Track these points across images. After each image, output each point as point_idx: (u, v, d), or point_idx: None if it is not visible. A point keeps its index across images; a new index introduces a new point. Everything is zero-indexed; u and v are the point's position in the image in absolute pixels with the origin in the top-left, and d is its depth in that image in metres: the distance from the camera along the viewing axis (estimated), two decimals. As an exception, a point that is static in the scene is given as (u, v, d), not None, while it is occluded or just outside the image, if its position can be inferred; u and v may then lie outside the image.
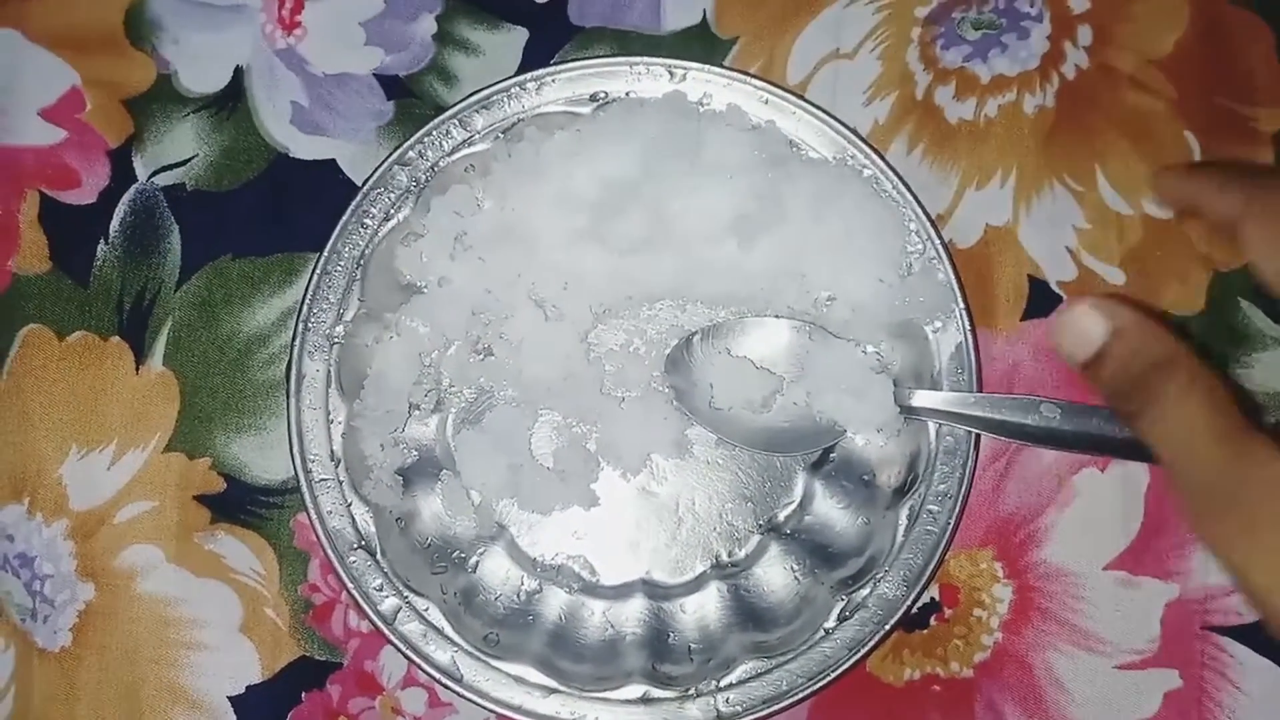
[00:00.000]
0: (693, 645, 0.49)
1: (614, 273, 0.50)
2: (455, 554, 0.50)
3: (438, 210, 0.50)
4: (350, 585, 0.47)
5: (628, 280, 0.50)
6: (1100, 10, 0.54)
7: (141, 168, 0.55)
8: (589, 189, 0.49)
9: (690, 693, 0.47)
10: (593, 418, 0.51)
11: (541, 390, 0.50)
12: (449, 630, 0.47)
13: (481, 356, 0.51)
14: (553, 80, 0.51)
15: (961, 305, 0.48)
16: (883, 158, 0.50)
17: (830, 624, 0.47)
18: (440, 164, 0.51)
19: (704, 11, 0.55)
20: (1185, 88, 0.53)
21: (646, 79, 0.51)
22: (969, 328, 0.48)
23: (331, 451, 0.49)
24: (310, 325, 0.49)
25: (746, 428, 0.49)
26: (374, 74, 0.55)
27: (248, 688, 0.51)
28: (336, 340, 0.49)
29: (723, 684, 0.47)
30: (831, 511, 0.50)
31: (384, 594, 0.47)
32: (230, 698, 0.51)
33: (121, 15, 0.56)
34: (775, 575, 0.50)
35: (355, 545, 0.48)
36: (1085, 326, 0.35)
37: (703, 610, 0.50)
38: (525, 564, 0.51)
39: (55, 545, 0.52)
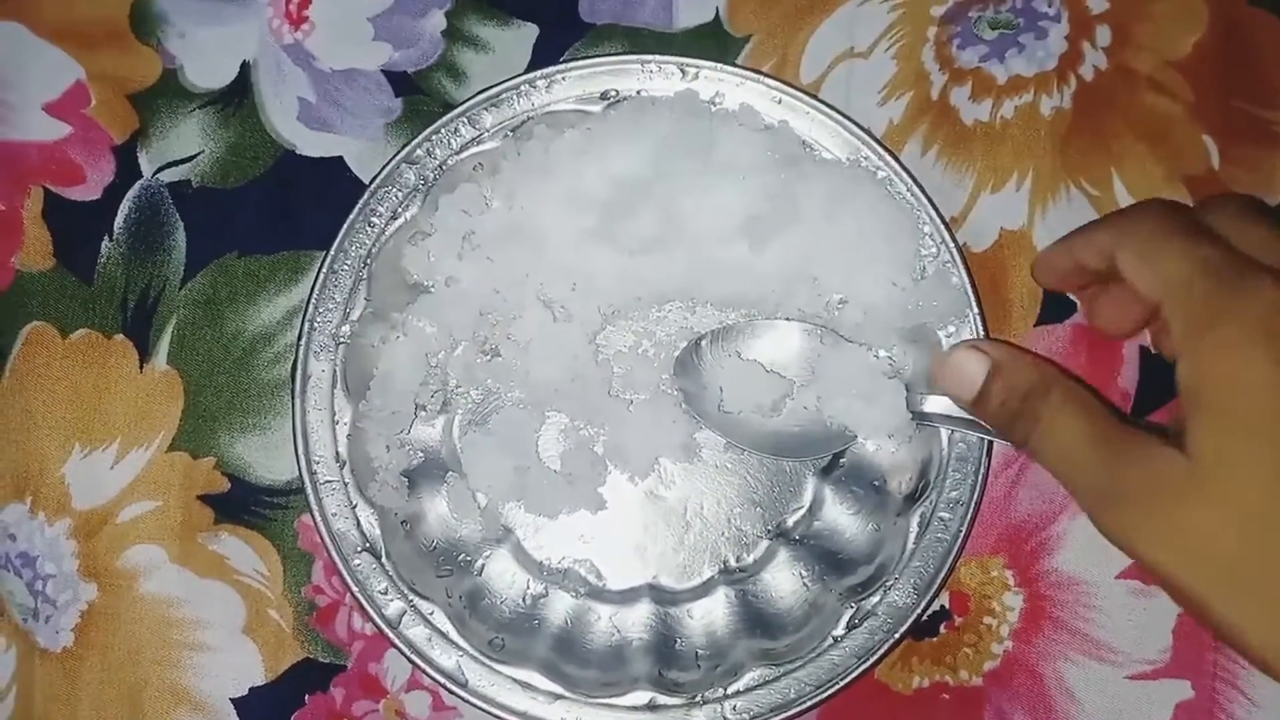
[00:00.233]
0: (700, 651, 0.49)
1: (624, 273, 0.49)
2: (461, 557, 0.50)
3: (446, 209, 0.50)
4: (355, 588, 0.47)
5: (637, 281, 0.50)
6: (1119, 10, 0.53)
7: (147, 164, 0.54)
8: (599, 188, 0.49)
9: (697, 700, 0.46)
10: (600, 420, 0.50)
11: (549, 392, 0.50)
12: (454, 634, 0.47)
13: (489, 357, 0.51)
14: (563, 78, 0.50)
15: (975, 310, 0.48)
16: (897, 159, 0.49)
17: (839, 631, 0.47)
18: (449, 162, 0.50)
19: (716, 9, 0.54)
20: (1204, 90, 0.52)
21: (658, 77, 0.50)
22: (983, 333, 0.48)
23: (336, 453, 0.48)
24: (316, 325, 0.49)
25: (756, 432, 0.48)
26: (382, 70, 0.54)
27: (251, 689, 0.51)
28: (342, 340, 0.49)
29: (730, 691, 0.46)
30: (841, 517, 0.50)
31: (389, 597, 0.47)
32: (233, 699, 0.51)
33: (127, 9, 0.55)
34: (784, 581, 0.49)
35: (360, 548, 0.48)
36: (964, 368, 0.40)
37: (710, 616, 0.49)
38: (531, 568, 0.50)
39: (57, 545, 0.52)
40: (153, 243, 0.54)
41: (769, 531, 0.50)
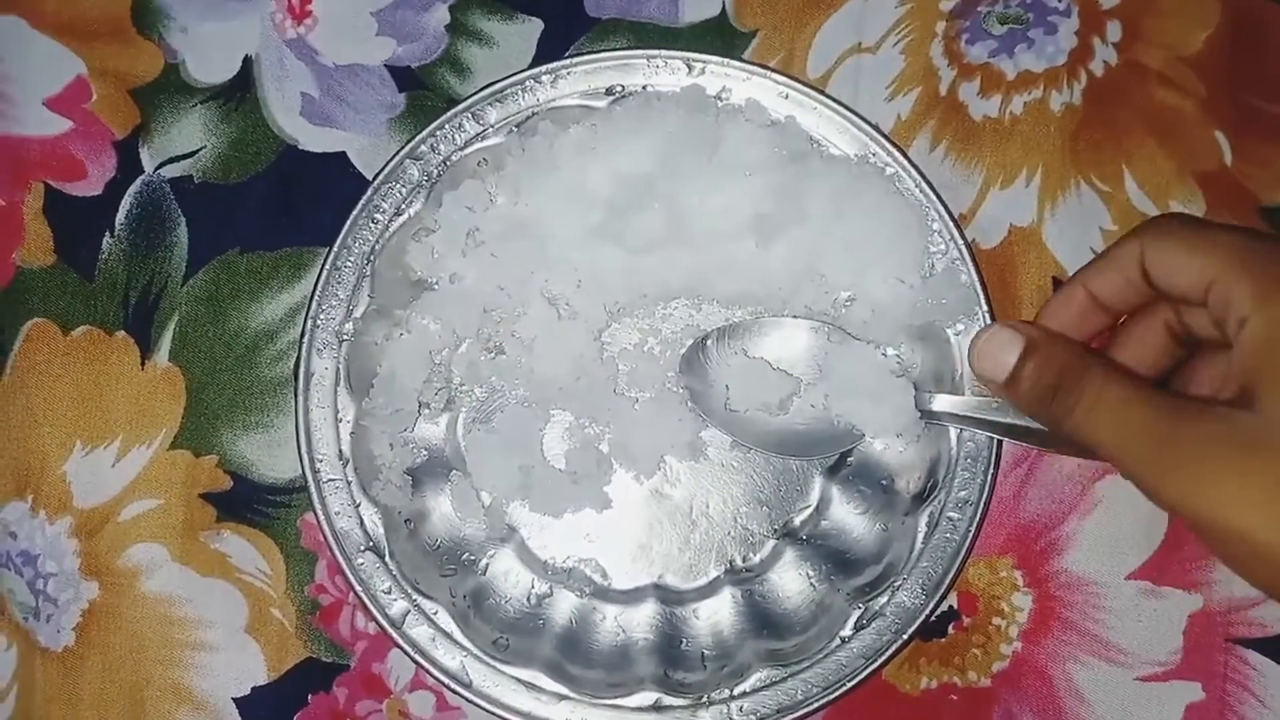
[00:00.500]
0: (706, 652, 0.48)
1: (629, 270, 0.49)
2: (465, 556, 0.50)
3: (449, 205, 0.49)
4: (358, 588, 0.47)
5: (643, 278, 0.49)
6: (1130, 5, 0.52)
7: (148, 159, 0.54)
8: (604, 185, 0.49)
9: (703, 700, 0.46)
10: (606, 418, 0.50)
11: (554, 390, 0.50)
12: (458, 634, 0.46)
13: (493, 355, 0.50)
14: (568, 73, 0.50)
15: (984, 308, 0.47)
16: (905, 155, 0.49)
17: (847, 632, 0.46)
18: (453, 158, 0.49)
19: (723, 3, 0.54)
20: (1215, 86, 0.52)
21: (664, 72, 0.50)
22: (993, 331, 0.47)
23: (340, 451, 0.48)
24: (319, 322, 0.48)
25: (762, 430, 0.48)
26: (385, 65, 0.54)
27: (253, 689, 0.51)
28: (346, 337, 0.48)
29: (736, 692, 0.46)
30: (849, 517, 0.49)
31: (392, 597, 0.47)
32: (235, 699, 0.51)
33: (128, 3, 0.55)
34: (790, 581, 0.49)
35: (363, 547, 0.47)
36: (996, 347, 0.38)
37: (716, 616, 0.49)
38: (536, 567, 0.50)
39: (59, 543, 0.52)
40: (154, 239, 0.53)
41: (776, 531, 0.50)
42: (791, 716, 0.46)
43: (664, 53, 0.50)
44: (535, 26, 0.54)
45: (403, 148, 0.49)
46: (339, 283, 0.49)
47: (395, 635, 0.46)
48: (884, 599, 0.46)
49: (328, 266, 0.49)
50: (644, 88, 0.50)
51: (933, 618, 0.46)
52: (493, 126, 0.50)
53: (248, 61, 0.54)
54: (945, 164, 0.52)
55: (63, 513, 0.52)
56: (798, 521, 0.50)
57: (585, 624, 0.49)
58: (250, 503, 0.51)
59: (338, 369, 0.48)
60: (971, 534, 0.46)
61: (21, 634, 0.52)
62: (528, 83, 0.50)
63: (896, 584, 0.46)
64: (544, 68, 0.50)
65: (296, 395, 0.48)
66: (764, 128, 0.49)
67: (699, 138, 0.48)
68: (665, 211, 0.48)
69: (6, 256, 0.53)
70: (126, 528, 0.51)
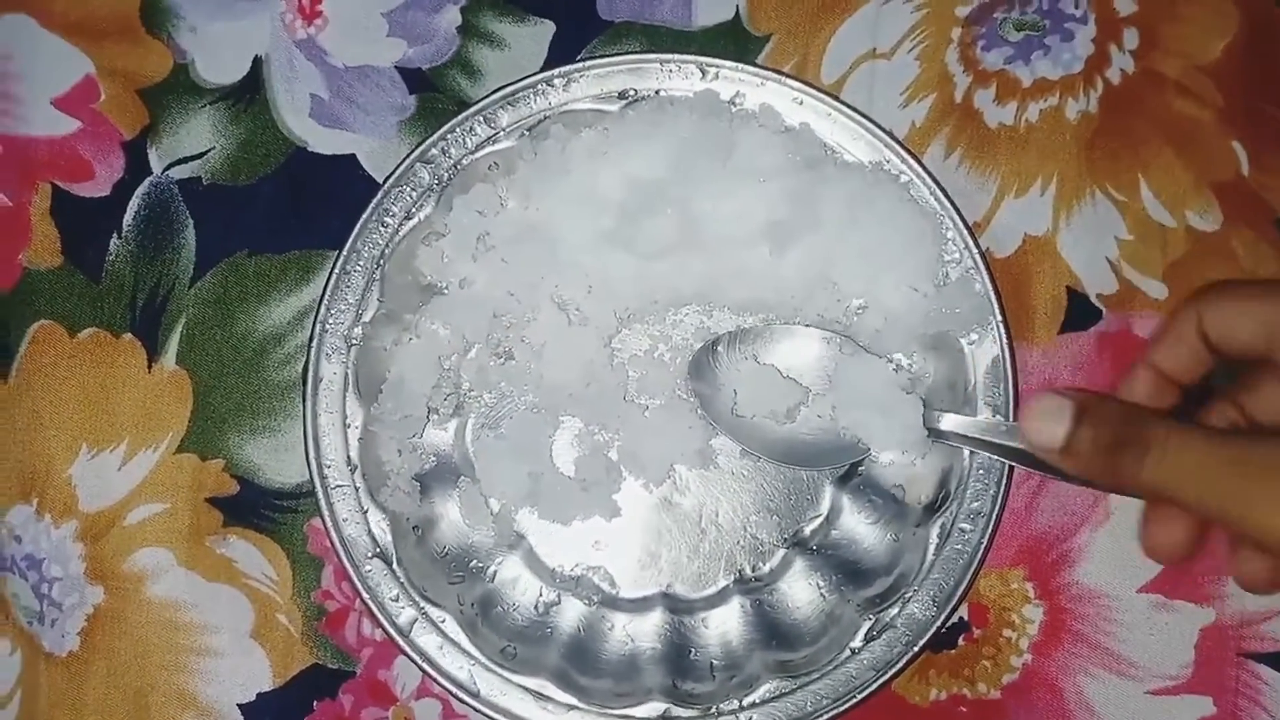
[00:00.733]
0: (715, 662, 0.48)
1: (640, 276, 0.49)
2: (473, 563, 0.49)
3: (460, 209, 0.49)
4: (365, 594, 0.46)
5: (654, 284, 0.49)
6: (1147, 13, 0.52)
7: (156, 160, 0.53)
8: (616, 189, 0.48)
9: (712, 711, 0.46)
10: (615, 425, 0.49)
11: (563, 396, 0.49)
12: (465, 642, 0.46)
13: (502, 360, 0.50)
14: (581, 76, 0.50)
15: (998, 317, 0.47)
16: (920, 162, 0.48)
17: (857, 644, 0.46)
18: (463, 161, 0.49)
19: (736, 7, 0.53)
20: (1233, 95, 0.51)
21: (677, 76, 0.50)
22: (1006, 341, 0.47)
23: (348, 456, 0.48)
24: (328, 326, 0.48)
25: (769, 438, 0.48)
26: (396, 67, 0.53)
27: (259, 695, 0.50)
28: (354, 342, 0.48)
29: (745, 703, 0.46)
30: (859, 527, 0.49)
31: (400, 604, 0.46)
32: (241, 705, 0.50)
33: (137, 2, 0.54)
34: (800, 591, 0.49)
35: (371, 553, 0.47)
36: (1047, 416, 0.36)
37: (725, 626, 0.49)
38: (544, 574, 0.50)
39: (64, 547, 0.51)
40: (162, 241, 0.53)
41: (785, 540, 0.49)
42: (801, 729, 0.45)
43: (678, 57, 0.49)
44: (547, 29, 0.53)
45: (413, 150, 0.49)
46: (348, 286, 0.48)
47: (402, 643, 0.46)
48: (894, 610, 0.46)
49: (337, 270, 0.48)
50: (657, 92, 0.50)
51: (943, 629, 0.46)
52: (504, 130, 0.49)
53: (257, 62, 0.54)
54: (960, 171, 0.52)
55: (68, 516, 0.51)
56: (808, 531, 0.50)
57: (593, 632, 0.49)
58: (257, 507, 0.51)
59: (346, 374, 0.48)
60: (983, 545, 0.46)
61: (26, 638, 0.51)
62: (540, 86, 0.50)
63: (907, 595, 0.46)
64: (556, 71, 0.49)
65: (304, 400, 0.48)
66: (778, 134, 0.49)
67: (712, 143, 0.48)
68: (677, 217, 0.48)
69: (13, 258, 0.53)
70: (132, 532, 0.51)
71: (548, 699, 0.46)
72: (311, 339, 0.48)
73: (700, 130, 0.48)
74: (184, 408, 0.52)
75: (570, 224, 0.49)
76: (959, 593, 0.46)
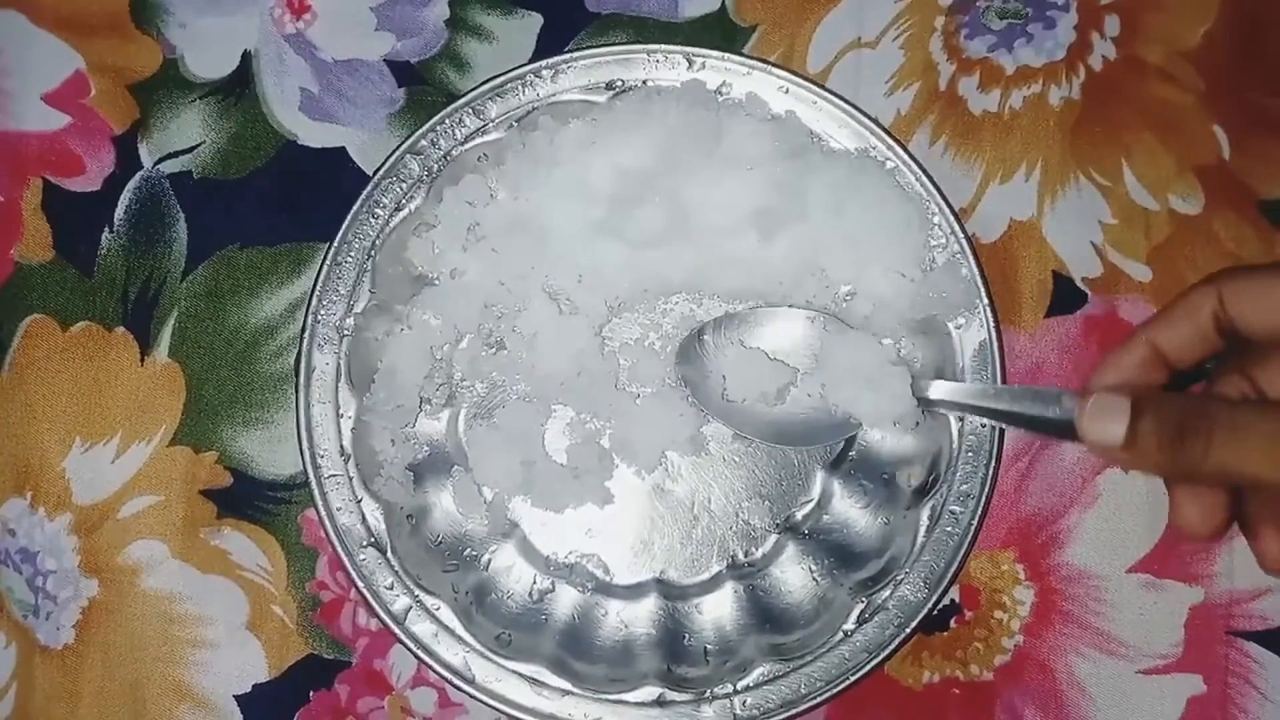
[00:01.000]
0: (709, 647, 0.48)
1: (630, 265, 0.49)
2: (467, 551, 0.49)
3: (450, 200, 0.49)
4: (360, 584, 0.46)
5: (644, 273, 0.49)
6: (1128, 0, 0.52)
7: (147, 155, 0.54)
8: (605, 179, 0.48)
9: (706, 695, 0.46)
10: (607, 414, 0.50)
11: (555, 385, 0.49)
12: (460, 630, 0.46)
13: (494, 350, 0.50)
14: (568, 68, 0.50)
15: (985, 301, 0.47)
16: (905, 150, 0.49)
17: (849, 626, 0.46)
18: (453, 153, 0.49)
19: (722, -2, 0.54)
20: (1214, 80, 0.52)
21: (664, 67, 0.50)
22: (993, 325, 0.47)
23: (341, 446, 0.48)
24: (320, 317, 0.48)
25: (760, 420, 0.48)
26: (385, 60, 0.54)
27: (254, 686, 0.51)
28: (346, 333, 0.48)
29: (739, 687, 0.46)
30: (851, 511, 0.49)
31: (394, 592, 0.47)
32: (236, 696, 0.51)
33: (127, -2, 0.54)
34: (793, 576, 0.49)
35: (365, 542, 0.47)
36: (1105, 415, 0.35)
37: (719, 611, 0.49)
38: (538, 562, 0.50)
39: (58, 540, 0.51)
40: (153, 234, 0.53)
41: (777, 525, 0.50)
42: (794, 711, 0.45)
43: (664, 47, 0.50)
44: (535, 21, 0.54)
45: (403, 143, 0.49)
46: (339, 278, 0.49)
47: (397, 631, 0.46)
48: (886, 593, 0.46)
49: (328, 262, 0.48)
50: (644, 82, 0.50)
51: (935, 611, 0.46)
52: (493, 121, 0.50)
53: (247, 57, 0.54)
54: (945, 158, 0.52)
55: (62, 509, 0.52)
56: (799, 516, 0.50)
57: (587, 619, 0.49)
58: (251, 499, 0.51)
59: (339, 364, 0.48)
60: (973, 528, 0.46)
61: (21, 632, 0.51)
62: (528, 78, 0.50)
63: (899, 578, 0.46)
64: (544, 62, 0.50)
65: (297, 391, 0.48)
66: (764, 122, 0.49)
67: (700, 132, 0.48)
68: (666, 206, 0.48)
69: (5, 252, 0.53)
70: (126, 524, 0.51)
71: (543, 685, 0.46)
72: (304, 330, 0.48)
73: (687, 120, 0.49)
74: (177, 400, 0.52)
75: (560, 214, 0.49)
76: (950, 574, 0.46)
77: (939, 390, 0.45)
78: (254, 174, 0.53)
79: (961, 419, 0.46)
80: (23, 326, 0.53)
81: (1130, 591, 0.49)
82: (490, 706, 0.46)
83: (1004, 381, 0.47)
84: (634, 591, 0.49)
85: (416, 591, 0.47)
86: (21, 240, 0.53)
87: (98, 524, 0.51)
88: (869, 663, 0.46)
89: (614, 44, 0.51)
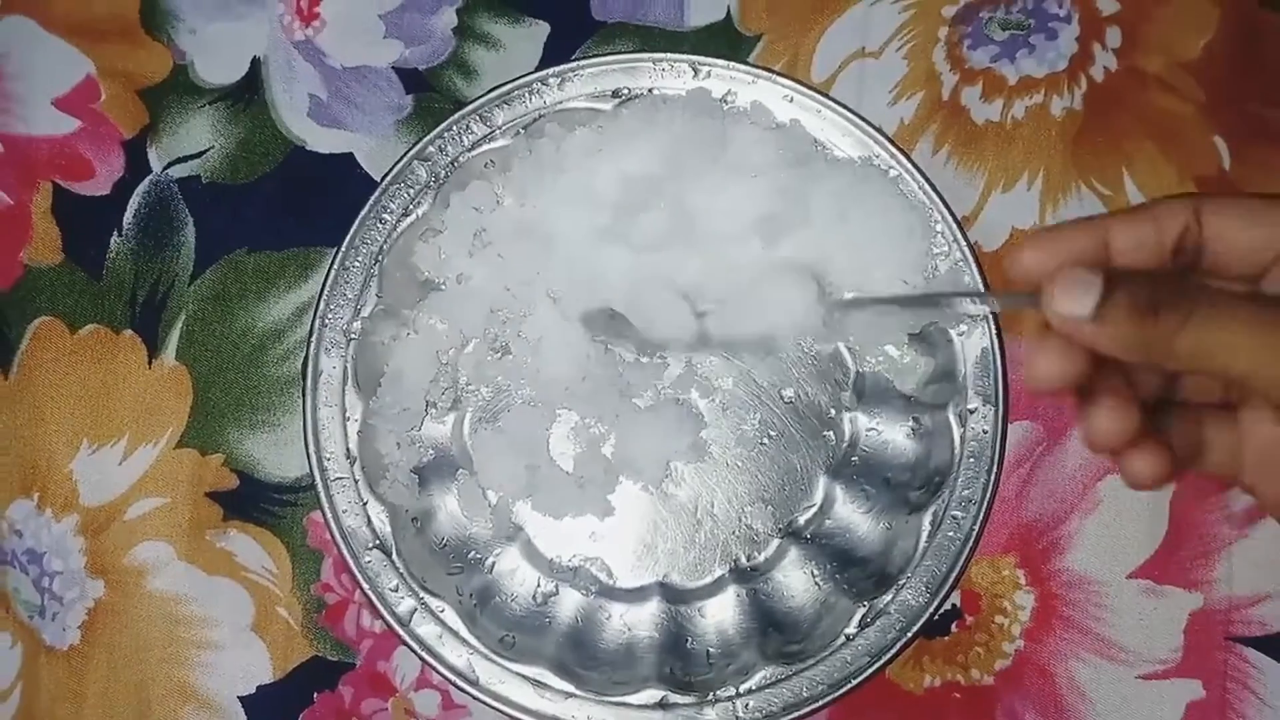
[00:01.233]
0: (711, 650, 0.49)
1: (635, 271, 0.49)
2: (471, 554, 0.50)
3: (457, 206, 0.50)
4: (365, 585, 0.47)
5: (649, 279, 0.49)
6: (1129, 12, 0.53)
7: (156, 159, 0.54)
8: (610, 186, 0.49)
9: (709, 698, 0.46)
10: (611, 419, 0.50)
11: (559, 390, 0.50)
12: (464, 632, 0.47)
13: (499, 355, 0.50)
14: (575, 76, 0.50)
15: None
16: (909, 158, 0.49)
17: (851, 630, 0.46)
18: (460, 159, 0.50)
19: (728, 7, 0.54)
20: (1214, 91, 0.52)
21: (670, 75, 0.50)
22: (995, 332, 0.48)
23: (347, 449, 0.48)
24: (327, 321, 0.49)
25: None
26: (393, 67, 0.54)
27: (259, 688, 0.51)
28: (353, 337, 0.49)
29: (742, 690, 0.46)
30: (853, 516, 0.50)
31: (399, 594, 0.47)
32: (241, 698, 0.51)
33: (137, 4, 0.55)
34: (795, 580, 0.49)
35: (370, 545, 0.47)
36: (1075, 287, 0.32)
37: (721, 615, 0.49)
38: (541, 565, 0.50)
39: (65, 541, 0.52)
40: (162, 238, 0.53)
41: (780, 530, 0.50)
42: (796, 714, 0.46)
43: (670, 56, 0.50)
44: (542, 30, 0.54)
45: (410, 149, 0.50)
46: (347, 283, 0.49)
47: (402, 633, 0.46)
48: (888, 597, 0.46)
49: (335, 266, 0.49)
50: (650, 91, 0.50)
51: (936, 616, 0.47)
52: (500, 128, 0.50)
53: (256, 63, 0.54)
54: (948, 167, 0.52)
55: (69, 511, 0.52)
56: (802, 520, 0.50)
57: (591, 622, 0.49)
58: (256, 501, 0.52)
59: (345, 368, 0.49)
60: (975, 533, 0.47)
61: (27, 632, 0.52)
62: (535, 85, 0.50)
63: (901, 582, 0.47)
64: (551, 70, 0.50)
65: (304, 394, 0.48)
66: (769, 130, 0.49)
67: (705, 140, 0.49)
68: (671, 213, 0.48)
69: (15, 255, 0.54)
70: (132, 526, 0.52)
71: (546, 687, 0.46)
72: (311, 334, 0.49)
73: (693, 128, 0.49)
74: (184, 403, 0.52)
75: (565, 220, 0.49)
76: (951, 579, 0.46)
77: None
78: (262, 179, 0.54)
79: (963, 425, 0.47)
80: (31, 329, 0.53)
81: (1130, 597, 0.50)
82: (494, 708, 0.46)
83: (1006, 391, 0.48)
84: (637, 595, 0.50)
85: (421, 594, 0.47)
86: (31, 243, 0.54)
87: (104, 525, 0.52)
88: (870, 667, 0.46)
89: (620, 52, 0.52)
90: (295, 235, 0.53)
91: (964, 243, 0.48)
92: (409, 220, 0.49)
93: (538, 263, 0.49)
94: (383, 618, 0.47)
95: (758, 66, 0.50)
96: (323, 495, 0.47)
